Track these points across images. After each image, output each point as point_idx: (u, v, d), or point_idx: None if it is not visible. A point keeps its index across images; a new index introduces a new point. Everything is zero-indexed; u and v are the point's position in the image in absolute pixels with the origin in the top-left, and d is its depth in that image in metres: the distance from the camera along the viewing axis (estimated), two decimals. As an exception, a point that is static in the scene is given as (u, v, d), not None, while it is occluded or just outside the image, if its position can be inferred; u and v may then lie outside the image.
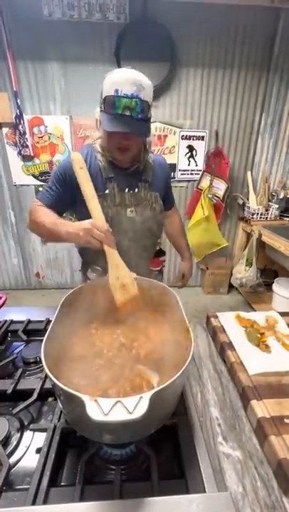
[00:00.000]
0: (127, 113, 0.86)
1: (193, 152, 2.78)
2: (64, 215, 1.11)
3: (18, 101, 2.43)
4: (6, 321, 1.06)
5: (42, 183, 2.76)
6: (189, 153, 2.79)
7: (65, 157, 1.07)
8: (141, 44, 2.31)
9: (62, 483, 0.60)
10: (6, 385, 0.76)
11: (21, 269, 3.11)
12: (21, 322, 1.04)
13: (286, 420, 0.68)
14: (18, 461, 0.63)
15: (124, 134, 0.90)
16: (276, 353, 0.89)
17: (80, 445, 0.65)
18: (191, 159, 2.81)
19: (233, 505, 0.53)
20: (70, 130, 2.59)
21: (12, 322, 1.06)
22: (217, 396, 0.82)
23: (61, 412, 0.69)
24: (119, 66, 2.36)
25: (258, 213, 2.77)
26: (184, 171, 2.84)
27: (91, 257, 1.16)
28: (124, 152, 0.98)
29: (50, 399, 0.77)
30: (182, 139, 2.72)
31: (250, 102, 2.66)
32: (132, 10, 2.27)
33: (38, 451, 0.63)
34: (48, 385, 0.75)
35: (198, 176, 2.84)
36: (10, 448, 0.64)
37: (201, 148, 2.77)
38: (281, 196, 2.79)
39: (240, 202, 2.95)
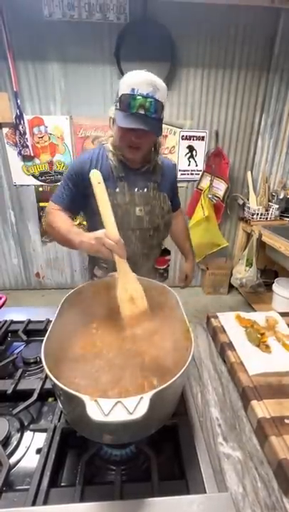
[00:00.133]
0: (142, 111, 0.90)
1: (194, 152, 2.79)
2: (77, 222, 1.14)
3: (19, 101, 2.43)
4: (6, 321, 1.06)
5: (42, 183, 2.76)
6: (189, 154, 2.79)
7: (76, 158, 1.10)
8: (141, 44, 2.31)
9: (62, 484, 0.60)
10: (6, 386, 0.76)
11: (21, 269, 3.11)
12: (21, 322, 1.04)
13: (286, 421, 0.68)
14: (18, 461, 0.63)
15: (136, 132, 0.94)
16: (276, 354, 0.89)
17: (80, 445, 0.65)
18: (191, 159, 2.81)
19: (234, 506, 0.53)
20: (70, 130, 2.59)
21: (12, 322, 1.06)
22: (217, 396, 0.81)
23: (61, 412, 0.69)
24: (119, 66, 2.36)
25: (258, 213, 2.77)
26: (184, 171, 2.84)
27: None
28: (135, 151, 1.01)
29: (50, 399, 0.77)
30: (182, 139, 2.72)
31: (250, 102, 2.66)
32: (132, 10, 2.28)
33: (38, 451, 0.62)
34: (48, 386, 0.75)
35: (199, 176, 2.84)
36: (10, 448, 0.64)
37: (201, 148, 2.77)
38: (281, 196, 2.79)
39: (241, 202, 2.95)
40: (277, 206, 2.78)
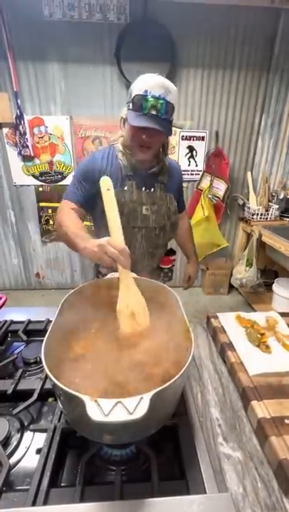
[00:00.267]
0: (154, 112, 0.93)
1: (194, 152, 2.79)
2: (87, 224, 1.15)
3: (19, 101, 2.43)
4: (6, 321, 1.06)
5: (42, 183, 2.76)
6: (189, 154, 2.79)
7: (88, 156, 1.14)
8: (141, 44, 2.31)
9: (62, 484, 0.60)
10: (6, 386, 0.75)
11: (21, 269, 3.11)
12: (21, 322, 1.04)
13: (286, 421, 0.68)
14: (19, 461, 0.63)
15: (148, 131, 0.97)
16: (276, 354, 0.89)
17: (80, 446, 0.65)
18: (191, 160, 2.81)
19: (234, 506, 0.53)
20: (71, 130, 2.59)
21: (12, 322, 1.06)
22: (217, 396, 0.81)
23: (61, 412, 0.69)
24: (119, 66, 2.36)
25: (258, 214, 2.77)
26: (184, 171, 2.83)
27: None
28: (146, 150, 1.03)
29: (50, 399, 0.77)
30: (182, 139, 2.73)
31: (251, 103, 2.66)
32: (133, 10, 2.28)
33: (38, 451, 0.62)
34: (48, 386, 0.75)
35: (199, 177, 2.84)
36: (10, 448, 0.64)
37: (201, 148, 2.77)
38: (281, 197, 2.79)
39: (241, 202, 2.95)
40: (277, 206, 2.78)
